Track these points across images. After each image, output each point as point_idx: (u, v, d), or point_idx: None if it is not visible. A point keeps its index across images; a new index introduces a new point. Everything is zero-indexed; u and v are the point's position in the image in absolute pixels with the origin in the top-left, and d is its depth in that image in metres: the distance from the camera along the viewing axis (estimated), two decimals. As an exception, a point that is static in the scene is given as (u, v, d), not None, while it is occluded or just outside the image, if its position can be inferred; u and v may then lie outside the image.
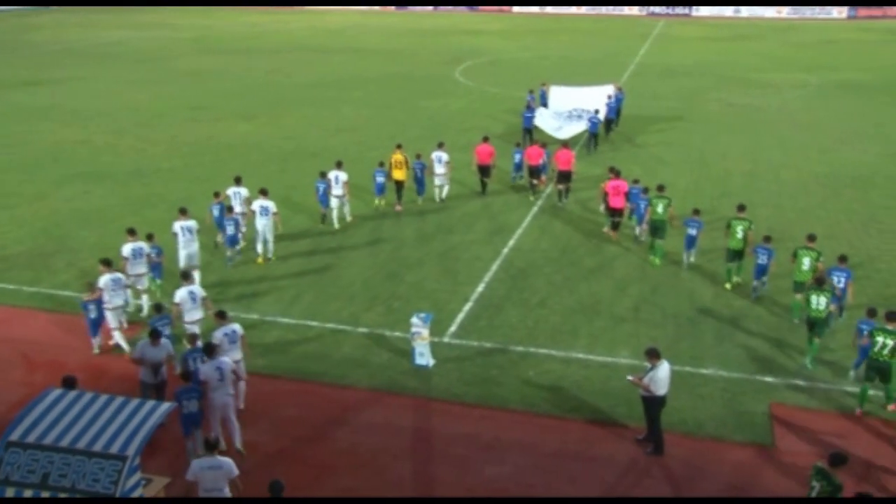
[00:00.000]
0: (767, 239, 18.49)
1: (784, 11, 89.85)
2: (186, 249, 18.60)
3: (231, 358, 13.37)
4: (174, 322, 15.16)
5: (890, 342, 13.63)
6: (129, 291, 16.73)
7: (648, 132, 34.13)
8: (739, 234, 18.74)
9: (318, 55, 58.59)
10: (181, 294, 15.31)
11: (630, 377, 13.32)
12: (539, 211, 24.74)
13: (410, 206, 24.92)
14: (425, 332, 15.34)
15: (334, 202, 22.94)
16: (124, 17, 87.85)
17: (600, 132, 31.88)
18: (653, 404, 12.80)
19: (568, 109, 31.90)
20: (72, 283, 19.14)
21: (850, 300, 16.95)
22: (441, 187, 25.39)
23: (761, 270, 18.24)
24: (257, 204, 20.29)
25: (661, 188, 21.16)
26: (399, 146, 24.91)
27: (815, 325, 15.56)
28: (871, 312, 14.96)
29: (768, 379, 14.96)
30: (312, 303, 18.24)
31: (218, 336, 13.64)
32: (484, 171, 25.93)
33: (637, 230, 21.95)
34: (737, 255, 18.93)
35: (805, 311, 15.84)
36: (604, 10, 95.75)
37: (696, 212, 20.42)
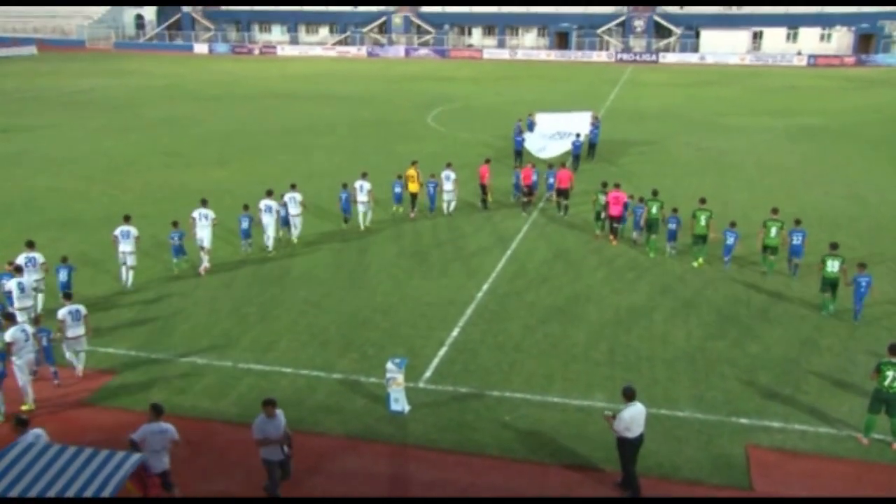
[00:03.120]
0: (733, 224, 23.36)
1: (747, 59, 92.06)
2: (200, 233, 22.80)
3: (75, 333, 16.47)
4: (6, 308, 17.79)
5: None
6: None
7: (619, 175, 34.41)
8: (703, 222, 23.31)
9: (291, 102, 58.87)
10: (10, 284, 18.11)
11: (606, 413, 13.25)
12: (532, 224, 27.93)
13: (421, 216, 28.67)
14: (400, 378, 15.17)
15: (360, 207, 26.60)
16: (96, 66, 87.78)
17: (583, 154, 36.18)
18: (622, 446, 12.69)
19: (552, 132, 36.12)
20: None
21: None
22: (449, 202, 28.71)
23: (729, 249, 23.01)
24: (262, 203, 24.25)
25: (655, 193, 25.17)
26: (414, 163, 28.87)
27: (832, 284, 19.80)
28: (862, 266, 19.47)
29: (744, 420, 14.93)
30: (287, 350, 18.01)
31: (62, 313, 16.44)
32: (486, 188, 29.20)
33: (634, 234, 25.49)
34: (701, 238, 23.41)
35: (822, 273, 19.99)
36: (573, 55, 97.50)
37: (675, 210, 24.43)
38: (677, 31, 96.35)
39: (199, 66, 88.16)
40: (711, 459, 13.71)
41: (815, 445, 14.18)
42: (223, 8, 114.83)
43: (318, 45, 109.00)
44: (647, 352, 17.81)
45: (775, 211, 23.44)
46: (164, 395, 15.84)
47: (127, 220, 21.99)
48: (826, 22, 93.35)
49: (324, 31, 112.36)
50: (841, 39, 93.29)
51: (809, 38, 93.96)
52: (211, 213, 23.09)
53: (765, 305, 20.59)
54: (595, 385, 16.31)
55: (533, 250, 24.98)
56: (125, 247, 21.47)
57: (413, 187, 28.26)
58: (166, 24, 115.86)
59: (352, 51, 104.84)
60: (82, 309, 16.75)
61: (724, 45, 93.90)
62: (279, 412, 12.29)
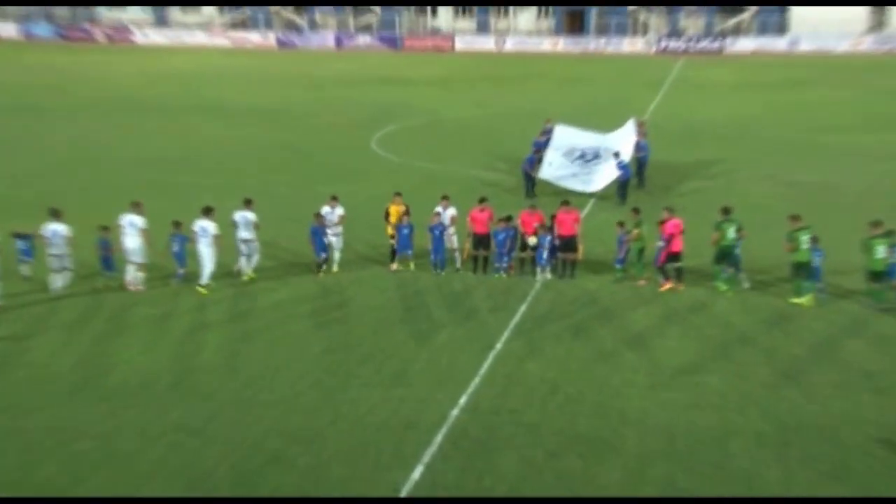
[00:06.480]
0: (816, 239, 27.80)
1: (865, 43, 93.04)
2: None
3: None
4: None
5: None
6: None
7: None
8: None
9: (158, 116, 59.12)
10: None
11: None
12: (538, 293, 29.27)
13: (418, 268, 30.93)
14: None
15: (333, 241, 31.60)
16: None
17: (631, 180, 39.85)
18: None
19: (581, 148, 38.94)
20: None
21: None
22: (453, 251, 31.70)
23: (818, 273, 27.98)
24: (198, 225, 29.46)
25: (727, 211, 29.55)
26: (397, 194, 32.16)
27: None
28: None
29: None
30: None
31: None
32: (480, 241, 31.06)
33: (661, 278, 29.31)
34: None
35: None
36: (592, 45, 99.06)
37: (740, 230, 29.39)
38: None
39: (7, 59, 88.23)
40: None
41: None
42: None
43: (201, 28, 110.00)
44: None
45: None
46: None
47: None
48: None
49: (209, 9, 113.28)
50: None
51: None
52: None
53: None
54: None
55: (537, 336, 25.33)
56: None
57: (388, 229, 31.63)
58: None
59: (253, 38, 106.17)
60: None
61: (827, 23, 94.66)
62: None
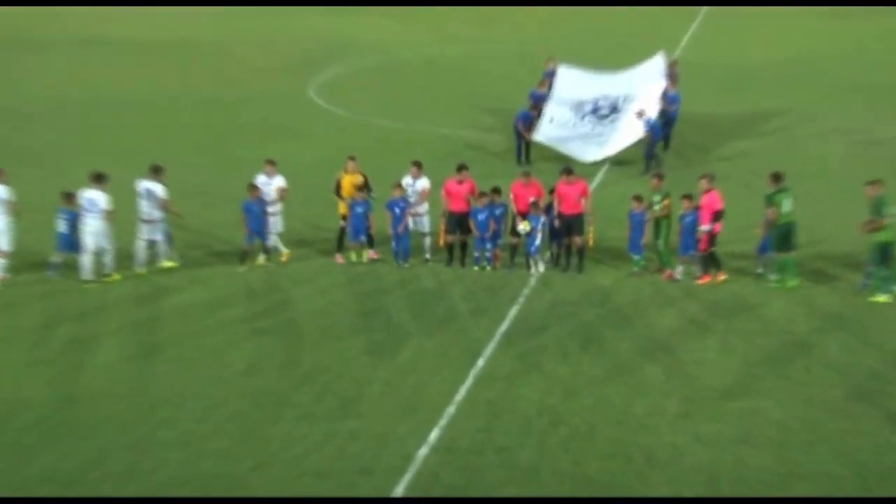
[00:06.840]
0: None
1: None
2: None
3: None
4: None
5: None
6: None
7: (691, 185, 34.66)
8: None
9: (17, 55, 58.86)
10: None
11: None
12: (535, 290, 28.93)
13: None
14: None
15: (271, 222, 31.73)
16: None
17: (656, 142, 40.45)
18: None
19: (593, 98, 38.71)
20: None
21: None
22: (424, 236, 32.10)
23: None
24: (85, 197, 29.79)
25: (777, 177, 28.98)
26: (351, 158, 32.62)
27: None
28: None
29: None
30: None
31: None
32: (458, 223, 31.12)
33: (677, 270, 29.57)
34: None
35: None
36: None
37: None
38: None
39: None
40: None
41: None
42: None
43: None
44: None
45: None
46: None
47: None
48: None
49: None
50: None
51: None
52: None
53: None
54: None
55: (532, 349, 25.06)
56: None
57: (341, 207, 31.96)
58: None
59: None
60: None
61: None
62: None
